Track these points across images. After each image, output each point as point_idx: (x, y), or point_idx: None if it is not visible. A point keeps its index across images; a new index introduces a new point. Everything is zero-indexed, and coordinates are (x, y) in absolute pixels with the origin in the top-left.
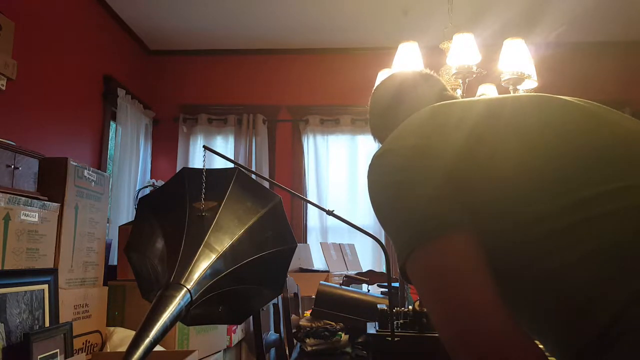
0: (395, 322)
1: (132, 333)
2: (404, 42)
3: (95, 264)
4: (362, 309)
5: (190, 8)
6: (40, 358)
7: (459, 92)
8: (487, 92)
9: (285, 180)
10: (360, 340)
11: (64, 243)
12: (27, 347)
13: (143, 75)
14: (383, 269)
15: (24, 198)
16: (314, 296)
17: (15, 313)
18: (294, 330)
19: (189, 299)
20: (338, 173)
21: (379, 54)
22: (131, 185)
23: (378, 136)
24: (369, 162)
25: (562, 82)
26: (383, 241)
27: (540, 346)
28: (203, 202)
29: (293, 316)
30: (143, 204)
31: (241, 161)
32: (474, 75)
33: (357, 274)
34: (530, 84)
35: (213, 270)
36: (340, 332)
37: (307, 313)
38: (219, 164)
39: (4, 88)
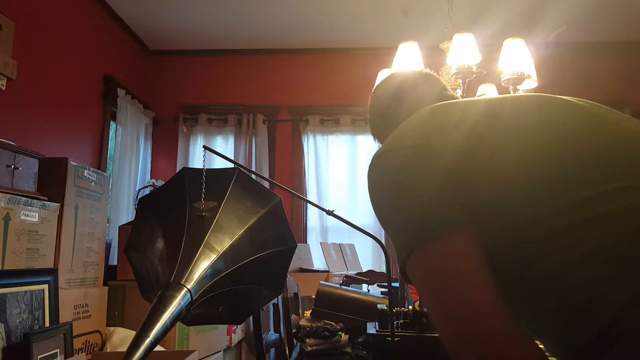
0: (395, 322)
1: (132, 333)
2: (404, 42)
3: (95, 264)
4: (362, 309)
5: (190, 8)
6: (40, 358)
7: (459, 92)
8: (487, 92)
9: (285, 180)
10: (360, 340)
11: (64, 243)
12: (27, 347)
13: (143, 75)
14: (383, 269)
15: (24, 198)
16: (314, 296)
17: (15, 313)
18: (294, 330)
19: (189, 299)
20: (338, 173)
21: (379, 54)
22: (131, 185)
23: (378, 136)
24: (369, 162)
25: (562, 82)
26: (383, 241)
27: (541, 346)
28: (203, 202)
29: (293, 316)
30: (143, 204)
31: (241, 161)
32: (474, 75)
33: (357, 274)
34: (530, 84)
35: (213, 270)
36: (340, 332)
37: (307, 313)
38: (219, 164)
39: (4, 88)
